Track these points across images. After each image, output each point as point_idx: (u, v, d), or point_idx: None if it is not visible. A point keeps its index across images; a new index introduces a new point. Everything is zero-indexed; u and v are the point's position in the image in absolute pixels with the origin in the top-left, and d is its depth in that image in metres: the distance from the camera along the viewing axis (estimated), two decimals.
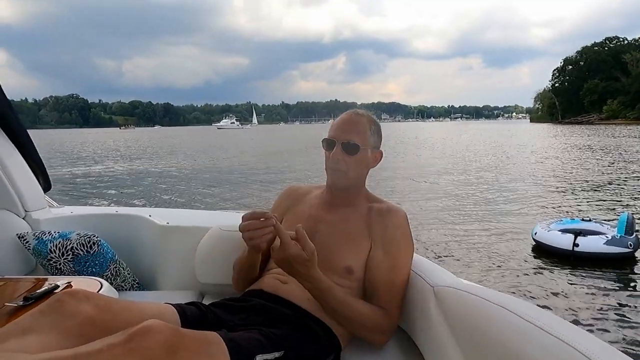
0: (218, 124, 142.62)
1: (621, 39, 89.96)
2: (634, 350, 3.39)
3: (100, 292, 1.34)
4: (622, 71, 76.98)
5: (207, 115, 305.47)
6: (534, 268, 5.28)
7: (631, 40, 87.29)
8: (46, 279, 1.48)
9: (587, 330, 3.57)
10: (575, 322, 3.81)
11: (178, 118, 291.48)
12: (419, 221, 7.59)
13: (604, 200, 9.29)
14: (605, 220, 6.54)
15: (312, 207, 1.48)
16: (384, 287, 1.31)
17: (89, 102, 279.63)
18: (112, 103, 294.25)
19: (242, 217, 1.25)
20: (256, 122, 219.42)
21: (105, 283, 1.39)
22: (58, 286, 1.31)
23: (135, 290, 2.01)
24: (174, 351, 0.89)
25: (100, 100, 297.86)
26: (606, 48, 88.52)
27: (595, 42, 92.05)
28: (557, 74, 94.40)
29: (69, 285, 1.34)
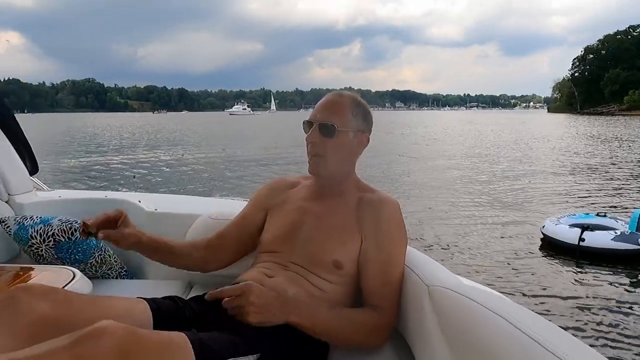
0: (230, 110, 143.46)
1: None
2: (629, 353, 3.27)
3: (72, 282, 1.27)
4: None
5: (222, 101, 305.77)
6: (539, 262, 5.15)
7: None
8: (32, 268, 1.41)
9: (584, 332, 3.49)
10: (576, 323, 3.70)
11: (193, 103, 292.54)
12: (428, 212, 7.46)
13: (627, 196, 8.99)
14: (623, 216, 6.30)
15: (300, 199, 1.38)
16: (379, 284, 1.22)
17: (105, 86, 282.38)
18: (128, 87, 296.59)
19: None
20: (274, 108, 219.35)
21: (78, 273, 1.31)
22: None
23: (123, 278, 1.94)
24: (128, 356, 0.80)
25: (115, 85, 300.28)
26: (629, 37, 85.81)
27: (618, 30, 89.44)
28: (577, 63, 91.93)
29: (26, 275, 1.26)
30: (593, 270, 4.81)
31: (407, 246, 1.29)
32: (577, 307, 4.00)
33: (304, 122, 1.30)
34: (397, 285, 1.24)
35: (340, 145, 1.27)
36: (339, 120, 1.26)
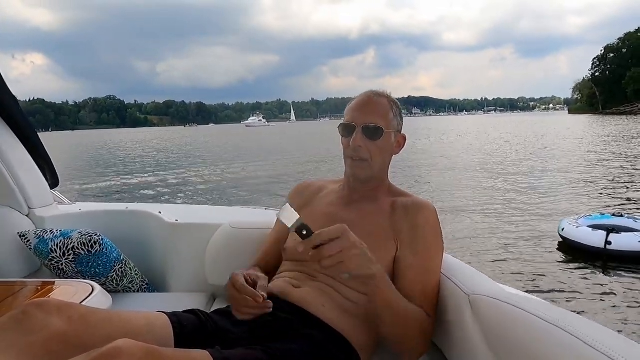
0: (246, 122, 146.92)
1: None
2: None
3: (90, 297, 1.22)
4: None
5: (239, 113, 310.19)
6: (562, 268, 4.90)
7: None
8: (50, 283, 1.38)
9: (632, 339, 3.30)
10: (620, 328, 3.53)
11: (210, 116, 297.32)
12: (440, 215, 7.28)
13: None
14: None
15: (328, 205, 1.31)
16: (419, 291, 1.13)
17: (125, 103, 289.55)
18: (148, 103, 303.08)
19: (233, 280, 1.07)
20: (294, 118, 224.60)
21: (97, 287, 1.27)
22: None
23: (145, 292, 1.89)
24: None
25: (135, 101, 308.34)
26: None
27: (639, 27, 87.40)
28: (598, 63, 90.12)
29: (44, 290, 1.22)
30: (625, 275, 4.59)
31: (444, 253, 1.22)
32: (617, 314, 3.81)
33: (341, 126, 1.24)
34: (435, 293, 1.17)
35: (384, 147, 1.23)
36: (384, 121, 1.21)
